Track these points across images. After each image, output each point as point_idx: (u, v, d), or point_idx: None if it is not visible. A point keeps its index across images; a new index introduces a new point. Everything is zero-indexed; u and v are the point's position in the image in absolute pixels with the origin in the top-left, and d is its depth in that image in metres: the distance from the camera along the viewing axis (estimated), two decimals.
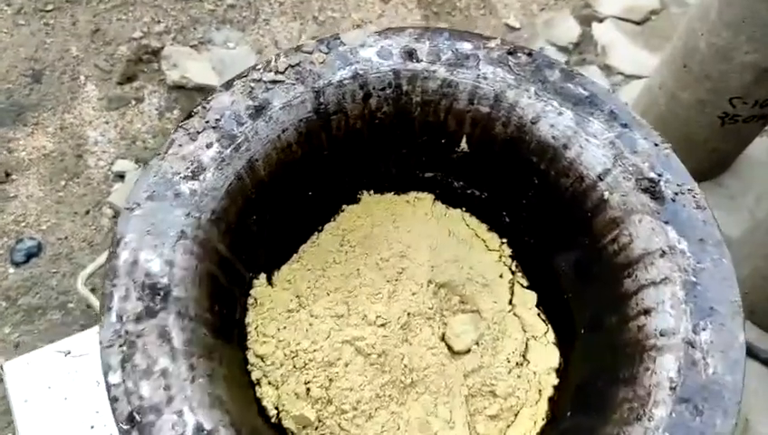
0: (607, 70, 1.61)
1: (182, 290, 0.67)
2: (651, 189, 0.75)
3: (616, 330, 0.76)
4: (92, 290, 0.92)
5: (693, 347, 0.67)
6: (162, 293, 0.66)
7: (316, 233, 0.92)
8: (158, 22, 1.58)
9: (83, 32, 1.55)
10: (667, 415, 0.64)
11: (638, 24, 1.69)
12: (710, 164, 1.49)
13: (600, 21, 1.69)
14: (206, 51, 1.52)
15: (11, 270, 1.31)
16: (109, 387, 0.62)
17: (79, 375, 0.86)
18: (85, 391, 0.85)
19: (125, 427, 0.60)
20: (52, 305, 1.27)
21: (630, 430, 0.65)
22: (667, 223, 0.73)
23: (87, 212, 1.36)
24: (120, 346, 0.63)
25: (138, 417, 0.61)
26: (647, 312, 0.71)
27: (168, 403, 0.62)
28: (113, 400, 0.61)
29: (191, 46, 1.56)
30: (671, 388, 0.65)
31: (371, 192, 0.93)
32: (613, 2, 1.69)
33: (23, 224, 1.35)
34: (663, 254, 0.72)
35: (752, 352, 1.35)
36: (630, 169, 0.76)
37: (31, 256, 1.33)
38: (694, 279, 0.70)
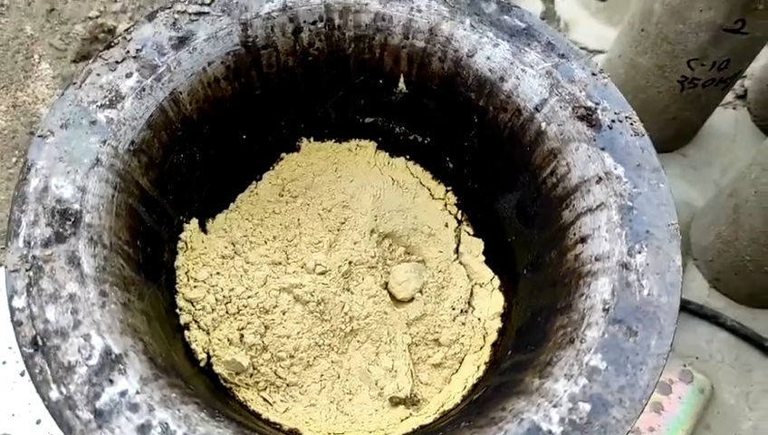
0: None
1: (95, 217, 0.64)
2: (588, 117, 0.73)
3: (555, 264, 0.74)
4: None
5: (627, 269, 0.65)
6: (73, 218, 0.63)
7: (254, 182, 0.89)
8: (115, 1, 1.56)
9: (38, 11, 1.53)
10: (599, 336, 0.62)
11: (600, 0, 1.68)
12: (673, 134, 1.48)
13: None
14: None
15: None
16: (13, 311, 0.59)
17: None
18: None
19: (28, 350, 0.57)
20: None
21: (562, 353, 0.63)
22: (603, 149, 0.71)
23: None
24: (27, 271, 0.60)
25: (42, 341, 0.58)
26: (583, 239, 0.69)
27: (75, 327, 0.59)
28: (17, 324, 0.58)
29: None
30: (604, 309, 0.63)
31: (311, 140, 0.91)
32: None
33: None
34: (599, 180, 0.70)
35: (718, 321, 1.33)
36: (567, 98, 0.74)
37: None
38: (630, 204, 0.68)
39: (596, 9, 1.69)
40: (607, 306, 0.63)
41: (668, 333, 0.63)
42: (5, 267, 0.60)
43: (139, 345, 0.61)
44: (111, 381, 0.57)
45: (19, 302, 0.59)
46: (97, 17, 1.53)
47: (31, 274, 0.60)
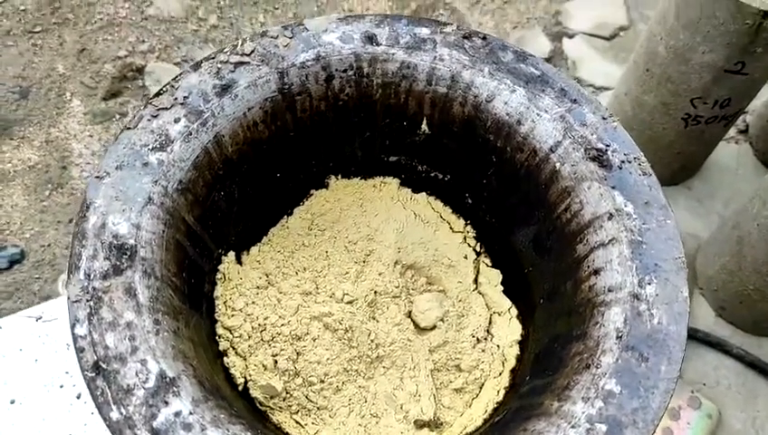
0: (577, 82, 1.66)
1: (149, 251, 0.70)
2: (599, 158, 0.79)
3: (570, 294, 0.79)
4: None
5: (638, 300, 0.70)
6: (129, 253, 0.69)
7: (285, 217, 0.95)
8: (143, 41, 1.64)
9: (70, 51, 1.61)
10: (613, 362, 0.67)
11: (607, 39, 1.75)
12: (678, 168, 1.54)
13: (571, 37, 1.75)
14: None
15: None
16: (75, 338, 0.64)
17: (49, 338, 0.88)
18: (55, 353, 0.88)
19: (90, 374, 0.63)
20: None
21: (579, 378, 0.68)
22: (614, 188, 0.77)
23: (70, 221, 1.39)
24: (87, 301, 0.66)
25: (103, 365, 0.63)
26: (596, 272, 0.75)
27: (133, 353, 0.64)
28: (79, 350, 0.64)
29: (175, 64, 1.62)
30: (617, 337, 0.68)
31: (339, 177, 0.97)
32: (583, 19, 1.76)
33: (6, 232, 1.37)
34: (611, 216, 0.75)
35: (724, 349, 1.37)
36: (579, 140, 0.80)
37: (14, 262, 1.35)
38: (639, 238, 0.74)
39: (603, 48, 1.76)
40: (620, 334, 0.68)
41: (677, 359, 0.68)
42: (68, 298, 0.66)
43: (189, 370, 0.66)
44: (167, 403, 0.63)
45: (81, 330, 0.64)
46: (126, 57, 1.60)
47: (91, 304, 0.66)
